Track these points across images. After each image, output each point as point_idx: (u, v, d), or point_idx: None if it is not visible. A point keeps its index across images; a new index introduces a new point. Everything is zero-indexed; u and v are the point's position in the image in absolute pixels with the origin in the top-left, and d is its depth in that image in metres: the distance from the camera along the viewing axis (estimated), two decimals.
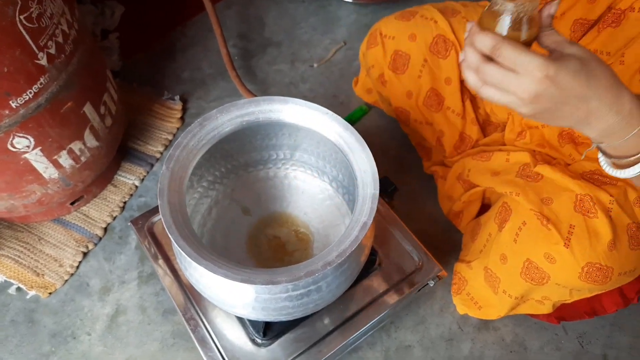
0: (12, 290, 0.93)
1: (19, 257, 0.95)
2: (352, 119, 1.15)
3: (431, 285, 0.81)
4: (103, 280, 0.95)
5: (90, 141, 0.87)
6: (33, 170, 0.81)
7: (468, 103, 0.95)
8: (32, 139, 0.76)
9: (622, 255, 0.67)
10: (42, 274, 0.94)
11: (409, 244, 0.81)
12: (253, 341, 0.73)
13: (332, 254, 0.56)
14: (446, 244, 0.99)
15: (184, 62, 1.25)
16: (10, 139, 0.73)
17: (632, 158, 0.49)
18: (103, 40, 1.23)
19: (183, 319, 0.74)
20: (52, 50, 0.71)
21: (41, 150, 0.79)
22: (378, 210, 0.84)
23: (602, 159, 0.53)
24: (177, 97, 1.16)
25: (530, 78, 0.44)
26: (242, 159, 0.79)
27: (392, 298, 0.77)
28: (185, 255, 0.54)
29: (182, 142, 0.63)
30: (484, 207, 0.93)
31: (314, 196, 0.81)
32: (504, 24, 0.46)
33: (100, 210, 1.02)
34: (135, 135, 1.11)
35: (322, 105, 0.69)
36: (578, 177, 0.74)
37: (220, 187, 0.79)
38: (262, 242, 0.77)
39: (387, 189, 0.89)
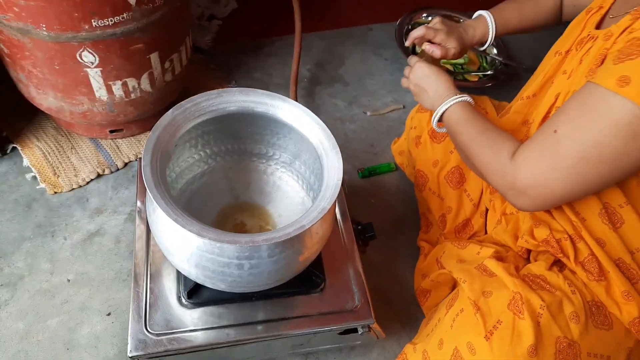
0: (28, 176, 1.06)
1: (49, 153, 1.09)
2: (377, 170, 1.20)
3: (359, 333, 0.82)
4: (101, 202, 1.06)
5: (145, 85, 1.00)
6: (88, 84, 0.94)
7: (487, 196, 0.96)
8: (97, 58, 0.89)
9: None
10: (58, 175, 1.07)
11: (356, 285, 0.83)
12: (179, 299, 0.78)
13: (260, 237, 0.61)
14: (404, 314, 0.98)
15: (260, 64, 1.39)
16: (81, 50, 0.87)
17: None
18: (206, 21, 1.39)
19: (134, 250, 0.81)
20: None
21: (101, 71, 0.92)
22: (344, 245, 0.87)
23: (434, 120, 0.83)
24: None
25: (412, 68, 0.88)
26: (249, 147, 0.87)
27: (316, 323, 0.79)
28: (144, 179, 0.62)
29: (196, 99, 0.72)
30: None
31: (295, 205, 0.87)
32: None
33: (130, 148, 1.14)
34: None
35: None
36: (518, 276, 0.74)
37: (221, 161, 0.87)
38: (229, 222, 0.84)
39: (365, 233, 0.92)
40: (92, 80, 0.93)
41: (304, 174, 0.86)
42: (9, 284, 0.93)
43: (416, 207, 1.14)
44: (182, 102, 0.71)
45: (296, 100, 1.21)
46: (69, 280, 0.94)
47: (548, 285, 0.71)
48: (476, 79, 1.41)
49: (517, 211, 0.83)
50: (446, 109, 0.80)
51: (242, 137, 0.85)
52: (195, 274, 0.68)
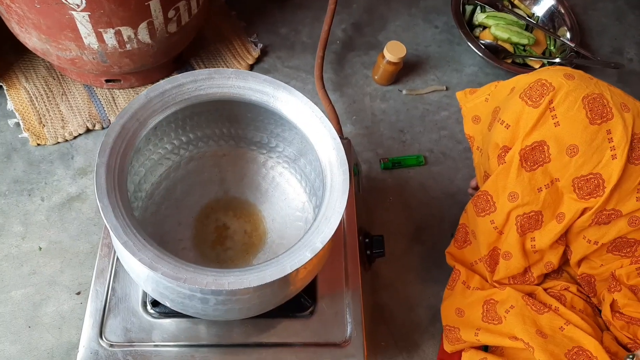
0: (11, 122, 0.95)
1: (36, 97, 0.97)
2: (402, 162, 1.04)
3: None
4: (87, 162, 0.95)
5: (143, 36, 0.85)
6: (75, 29, 0.80)
7: (559, 248, 0.76)
8: (83, 1, 0.74)
9: None
10: (44, 125, 0.95)
11: (351, 314, 0.71)
12: (144, 305, 0.67)
13: (227, 280, 0.48)
14: (404, 339, 0.87)
15: (289, 18, 1.20)
16: None
17: None
18: None
19: (101, 241, 0.71)
20: None
21: (90, 16, 0.77)
22: (345, 264, 0.75)
23: None
24: (260, 45, 1.12)
25: None
26: (249, 134, 0.72)
27: (298, 355, 0.68)
28: (95, 183, 0.49)
29: (180, 80, 0.57)
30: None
31: (293, 210, 0.73)
32: None
33: (127, 101, 1.01)
34: (200, 56, 1.09)
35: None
36: None
37: (214, 145, 0.74)
38: (211, 221, 0.71)
39: (373, 248, 0.78)
40: (79, 25, 0.79)
41: (308, 175, 0.72)
42: None
43: (440, 212, 0.99)
44: (162, 82, 0.56)
45: (321, 69, 1.05)
46: (40, 249, 0.85)
47: None
48: (538, 65, 1.20)
49: None
50: None
51: (241, 122, 0.70)
52: (155, 296, 0.57)
